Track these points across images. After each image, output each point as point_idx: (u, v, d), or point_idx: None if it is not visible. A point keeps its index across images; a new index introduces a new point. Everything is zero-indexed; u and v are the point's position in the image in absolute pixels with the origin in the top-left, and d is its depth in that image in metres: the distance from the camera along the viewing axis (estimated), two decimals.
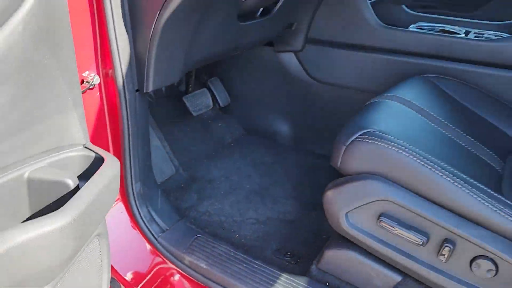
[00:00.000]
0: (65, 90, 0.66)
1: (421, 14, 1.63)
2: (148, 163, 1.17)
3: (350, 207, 0.93)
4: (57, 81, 0.64)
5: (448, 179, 0.84)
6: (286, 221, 1.31)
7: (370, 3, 1.49)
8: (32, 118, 0.62)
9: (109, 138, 1.03)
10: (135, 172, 1.09)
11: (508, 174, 1.01)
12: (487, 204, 0.81)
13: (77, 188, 0.64)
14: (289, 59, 1.61)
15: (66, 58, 0.65)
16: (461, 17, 1.94)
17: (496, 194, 0.83)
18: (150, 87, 0.99)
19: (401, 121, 1.02)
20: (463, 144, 1.05)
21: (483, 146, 1.07)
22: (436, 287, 0.88)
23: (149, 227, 1.15)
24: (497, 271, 0.80)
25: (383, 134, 0.91)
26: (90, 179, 0.65)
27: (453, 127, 1.09)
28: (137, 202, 1.13)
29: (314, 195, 1.43)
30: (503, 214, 0.80)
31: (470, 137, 1.09)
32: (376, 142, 0.90)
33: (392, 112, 1.05)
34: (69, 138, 0.70)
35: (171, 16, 0.89)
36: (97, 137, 1.00)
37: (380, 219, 0.89)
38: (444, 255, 0.84)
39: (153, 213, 1.17)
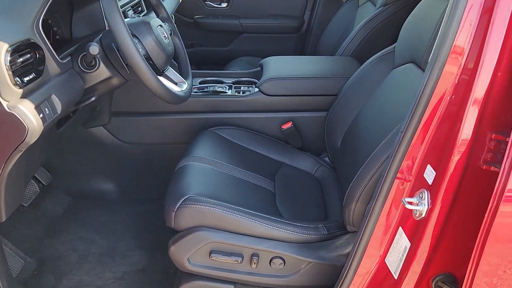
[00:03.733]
0: None
1: (196, 71, 2.08)
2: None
3: (189, 253, 1.32)
4: None
5: (243, 217, 1.30)
6: (138, 270, 1.63)
7: None
8: None
9: None
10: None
11: (277, 191, 1.56)
12: (267, 226, 1.31)
13: None
14: (99, 130, 1.87)
15: None
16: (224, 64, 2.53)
17: (271, 217, 1.34)
18: (3, 217, 1.17)
19: (205, 179, 1.45)
20: (247, 179, 1.55)
21: (258, 175, 1.60)
22: (255, 284, 1.37)
23: None
24: (284, 263, 1.32)
25: (198, 197, 1.33)
26: None
27: (238, 168, 1.58)
28: None
29: (153, 238, 1.77)
30: (278, 229, 1.31)
31: (249, 172, 1.59)
32: (195, 205, 1.30)
33: (197, 173, 1.47)
34: None
35: (13, 166, 1.10)
36: None
37: (211, 255, 1.32)
38: (254, 264, 1.32)
39: None
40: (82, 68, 1.29)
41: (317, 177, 1.70)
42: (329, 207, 1.52)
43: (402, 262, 1.02)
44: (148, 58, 1.32)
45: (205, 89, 1.89)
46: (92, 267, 1.63)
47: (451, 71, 0.92)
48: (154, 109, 1.85)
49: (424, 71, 1.31)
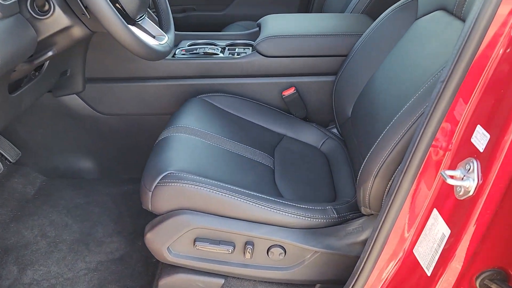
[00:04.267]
0: None
1: (185, 33, 1.82)
2: None
3: (170, 241, 1.09)
4: None
5: (234, 197, 1.07)
6: (115, 259, 1.40)
7: None
8: None
9: None
10: None
11: (277, 167, 1.32)
12: (264, 207, 1.07)
13: None
14: (72, 100, 1.62)
15: None
16: (216, 30, 2.26)
17: (270, 198, 1.10)
18: None
19: (190, 153, 1.21)
20: (241, 154, 1.31)
21: (255, 149, 1.35)
22: (250, 277, 1.14)
23: None
24: (285, 252, 1.09)
25: (180, 174, 1.09)
26: None
27: (231, 140, 1.34)
28: None
29: (135, 223, 1.54)
30: (277, 212, 1.08)
31: (244, 145, 1.35)
32: (176, 184, 1.07)
33: (181, 146, 1.23)
34: None
35: None
36: None
37: (196, 243, 1.08)
38: (248, 254, 1.09)
39: None
40: (32, 13, 1.04)
41: (323, 152, 1.46)
42: (338, 186, 1.28)
43: (438, 254, 0.78)
44: (114, 1, 1.07)
45: (194, 51, 1.63)
46: (62, 256, 1.40)
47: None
48: (135, 74, 1.60)
49: (457, 17, 1.06)
